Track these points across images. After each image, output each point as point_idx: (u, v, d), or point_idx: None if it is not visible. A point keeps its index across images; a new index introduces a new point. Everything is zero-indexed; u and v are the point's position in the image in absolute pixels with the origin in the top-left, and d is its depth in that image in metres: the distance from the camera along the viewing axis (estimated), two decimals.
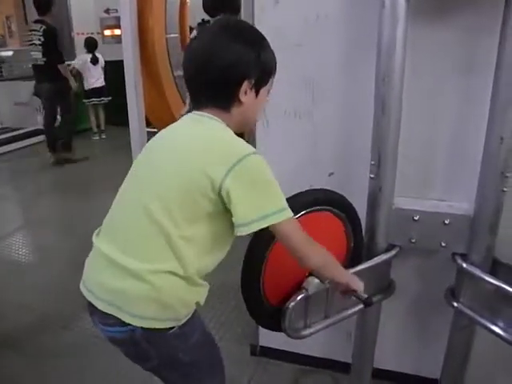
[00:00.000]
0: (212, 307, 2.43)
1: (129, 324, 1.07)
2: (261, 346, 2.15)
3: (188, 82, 1.13)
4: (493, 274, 1.43)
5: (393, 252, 1.53)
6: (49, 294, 2.77)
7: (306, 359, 2.07)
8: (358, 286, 1.21)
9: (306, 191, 1.40)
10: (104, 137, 6.60)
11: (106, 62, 6.19)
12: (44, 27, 4.96)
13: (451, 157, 1.56)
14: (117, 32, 6.45)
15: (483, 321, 1.44)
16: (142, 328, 1.07)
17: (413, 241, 1.53)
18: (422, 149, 1.58)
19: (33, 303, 2.68)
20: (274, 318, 1.37)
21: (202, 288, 1.16)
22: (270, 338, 2.09)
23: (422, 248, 1.57)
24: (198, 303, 1.16)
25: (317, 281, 1.31)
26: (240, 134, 1.13)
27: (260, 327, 2.10)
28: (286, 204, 1.05)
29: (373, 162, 1.43)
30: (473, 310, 1.47)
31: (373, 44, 1.36)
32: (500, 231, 1.41)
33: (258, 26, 1.62)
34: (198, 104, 1.13)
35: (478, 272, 1.43)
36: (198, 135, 1.09)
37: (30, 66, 5.26)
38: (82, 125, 6.68)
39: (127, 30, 2.90)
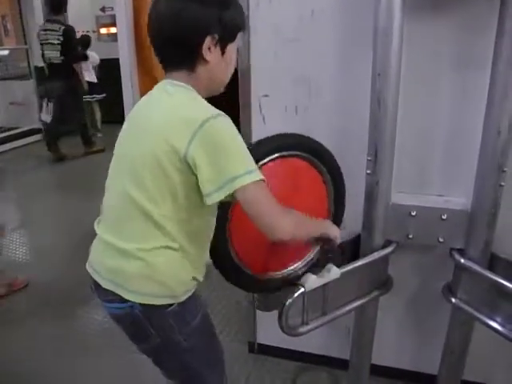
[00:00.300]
0: (209, 305, 2.42)
1: (128, 300, 1.09)
2: (258, 344, 2.14)
3: (152, 44, 1.10)
4: (491, 268, 1.43)
5: (390, 248, 1.53)
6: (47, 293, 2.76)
7: (303, 356, 2.06)
8: (335, 232, 1.20)
9: (274, 136, 1.30)
10: (100, 135, 6.56)
11: (101, 60, 6.16)
12: (63, 27, 5.04)
13: (448, 152, 1.56)
14: (113, 30, 6.44)
15: (481, 316, 1.43)
16: (140, 304, 1.09)
17: (410, 236, 1.52)
18: (418, 144, 1.57)
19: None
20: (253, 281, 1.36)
21: (198, 261, 1.16)
22: (267, 336, 2.09)
23: (419, 244, 1.56)
24: (195, 279, 1.15)
25: (313, 277, 1.31)
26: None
27: (258, 325, 2.10)
28: (254, 166, 1.00)
29: (369, 158, 1.42)
30: (471, 305, 1.46)
31: (369, 39, 1.35)
32: (498, 225, 1.41)
33: (252, 22, 1.63)
34: (166, 67, 1.11)
35: (475, 267, 1.42)
36: (160, 107, 1.08)
37: (44, 64, 5.31)
38: None
39: (123, 28, 2.89)
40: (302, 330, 1.40)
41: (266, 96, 1.69)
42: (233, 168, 0.97)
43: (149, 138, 1.04)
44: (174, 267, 1.10)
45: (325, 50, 1.58)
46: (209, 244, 1.19)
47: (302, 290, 1.31)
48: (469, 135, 1.46)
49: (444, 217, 1.47)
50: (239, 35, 1.11)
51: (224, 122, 1.01)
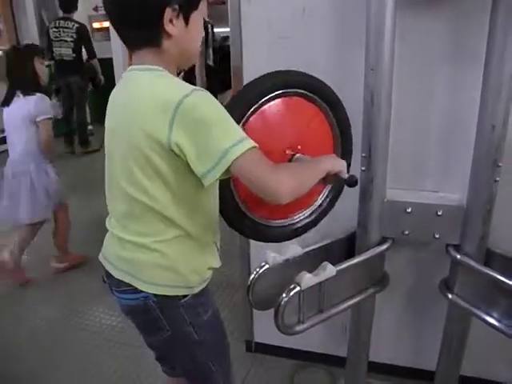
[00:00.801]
0: None
1: (142, 291, 1.09)
2: (256, 342, 2.14)
3: (112, 24, 1.04)
4: (487, 264, 1.43)
5: (386, 245, 1.52)
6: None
7: (301, 354, 2.06)
8: (339, 166, 1.12)
9: (271, 73, 1.23)
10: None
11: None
12: (77, 25, 5.20)
13: (443, 147, 1.55)
14: (105, 24, 6.43)
15: (478, 312, 1.43)
16: (154, 295, 1.09)
17: (406, 233, 1.51)
18: (413, 140, 1.56)
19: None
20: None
21: (210, 245, 1.16)
22: (264, 334, 2.08)
23: (415, 240, 1.56)
24: (210, 268, 1.17)
25: (309, 275, 1.30)
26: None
27: (255, 323, 2.09)
28: (242, 134, 0.94)
29: (364, 155, 1.41)
30: (467, 301, 1.46)
31: (361, 35, 1.34)
32: (493, 220, 1.40)
33: (244, 18, 1.62)
34: (129, 47, 1.05)
35: (471, 263, 1.42)
36: (132, 97, 1.02)
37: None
38: None
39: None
40: (299, 328, 1.40)
41: None
42: (220, 142, 0.92)
43: (128, 131, 1.00)
44: (187, 256, 1.10)
45: (317, 47, 1.57)
46: (217, 225, 1.17)
47: (298, 288, 1.30)
48: (463, 130, 1.45)
49: (439, 213, 1.46)
50: (202, 2, 1.04)
51: (200, 96, 0.94)
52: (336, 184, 1.22)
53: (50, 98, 5.51)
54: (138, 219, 1.07)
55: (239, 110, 1.13)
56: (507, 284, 1.31)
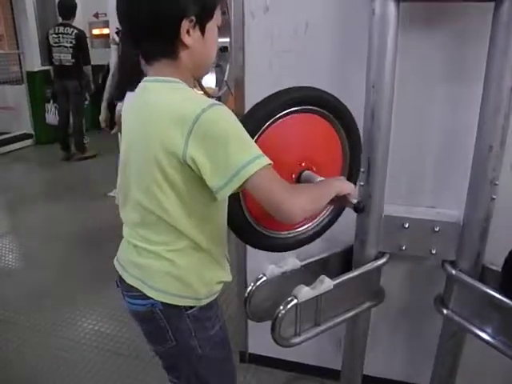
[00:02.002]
0: None
1: (150, 298, 1.09)
2: (250, 353, 2.14)
3: (126, 36, 1.04)
4: (482, 280, 1.44)
5: (383, 259, 1.53)
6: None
7: (295, 366, 2.06)
8: (348, 189, 1.12)
9: (284, 90, 1.22)
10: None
11: (95, 66, 6.15)
12: (76, 31, 5.27)
13: (441, 164, 1.57)
14: (105, 31, 6.47)
15: (472, 328, 1.44)
16: (161, 303, 1.09)
17: (403, 248, 1.53)
18: (411, 156, 1.58)
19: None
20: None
21: (221, 258, 1.16)
22: (259, 345, 2.08)
23: (412, 255, 1.57)
24: (220, 282, 1.16)
25: (306, 288, 1.30)
26: None
27: (249, 334, 2.09)
28: (258, 151, 0.94)
29: (362, 170, 1.43)
30: (462, 316, 1.47)
31: (363, 51, 1.36)
32: (489, 237, 1.42)
33: (247, 32, 1.64)
34: (147, 61, 1.04)
35: (467, 279, 1.43)
36: (148, 109, 1.02)
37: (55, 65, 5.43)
38: None
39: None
40: (295, 340, 1.40)
41: None
42: (236, 159, 0.91)
43: (146, 144, 1.00)
44: (197, 267, 1.10)
45: (319, 62, 1.59)
46: (226, 238, 1.18)
47: (295, 301, 1.31)
48: (461, 148, 1.47)
49: (436, 229, 1.48)
50: (217, 11, 1.03)
51: (217, 110, 0.94)
52: (342, 205, 1.22)
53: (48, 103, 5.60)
54: (151, 228, 1.07)
55: (252, 125, 1.13)
56: (502, 301, 1.32)
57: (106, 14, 6.10)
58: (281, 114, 1.16)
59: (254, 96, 1.69)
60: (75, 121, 5.60)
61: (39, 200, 4.48)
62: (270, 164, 0.94)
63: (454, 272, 1.47)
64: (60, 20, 5.42)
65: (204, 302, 1.13)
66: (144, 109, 1.04)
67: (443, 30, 1.42)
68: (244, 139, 0.94)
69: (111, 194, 4.19)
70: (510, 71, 1.23)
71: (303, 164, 1.21)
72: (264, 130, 1.15)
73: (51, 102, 5.73)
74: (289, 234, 1.31)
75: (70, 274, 3.03)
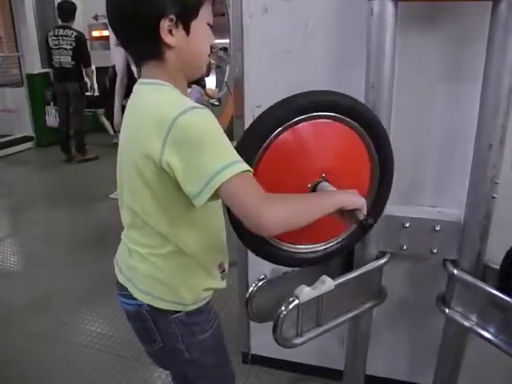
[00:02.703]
0: None
1: (136, 298, 1.10)
2: (252, 354, 2.14)
3: (117, 38, 1.02)
4: (483, 279, 1.44)
5: (384, 259, 1.53)
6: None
7: (298, 367, 2.06)
8: (356, 203, 1.02)
9: (308, 92, 1.16)
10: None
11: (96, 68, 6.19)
12: (76, 33, 5.32)
13: (441, 163, 1.57)
14: (105, 33, 6.52)
15: (474, 327, 1.44)
16: (147, 305, 1.09)
17: (404, 248, 1.53)
18: (411, 155, 1.58)
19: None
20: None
21: (210, 269, 1.13)
22: (261, 346, 2.08)
23: (413, 255, 1.57)
24: (208, 290, 1.14)
25: (308, 289, 1.30)
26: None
27: (252, 335, 2.09)
28: (234, 157, 0.89)
29: None
30: (464, 316, 1.47)
31: (362, 51, 1.36)
32: (490, 236, 1.42)
33: (246, 33, 1.64)
34: (135, 61, 1.05)
35: (468, 278, 1.43)
36: (134, 112, 1.02)
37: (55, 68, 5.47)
38: None
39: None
40: (297, 341, 1.40)
41: (259, 107, 1.69)
42: (210, 165, 0.88)
43: (130, 147, 1.00)
44: (181, 273, 1.09)
45: (318, 62, 1.59)
46: (221, 247, 1.16)
47: (297, 301, 1.31)
48: (461, 147, 1.47)
49: (437, 228, 1.48)
50: (204, 9, 0.99)
51: (196, 114, 0.91)
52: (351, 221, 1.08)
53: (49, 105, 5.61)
54: (139, 231, 1.08)
55: (266, 127, 1.11)
56: (503, 299, 1.32)
57: (104, 16, 6.10)
58: (300, 117, 1.12)
59: (253, 97, 1.71)
60: (76, 123, 5.61)
61: (40, 202, 4.49)
62: (247, 171, 0.90)
63: (455, 271, 1.46)
64: (59, 22, 5.45)
65: (190, 308, 1.12)
66: (133, 111, 1.04)
67: (442, 30, 1.42)
68: (220, 144, 0.91)
69: (113, 195, 4.20)
70: (509, 70, 1.23)
71: (322, 175, 1.16)
72: (281, 132, 1.12)
73: (51, 104, 5.75)
74: (307, 248, 1.29)
75: (71, 276, 3.04)
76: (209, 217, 1.10)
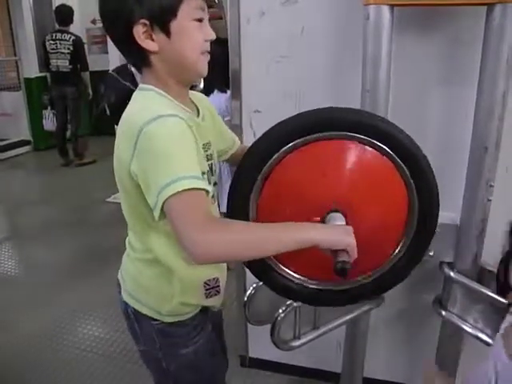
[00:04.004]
0: None
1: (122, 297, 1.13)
2: (250, 357, 2.14)
3: None
4: (480, 281, 1.44)
5: None
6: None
7: (295, 370, 2.06)
8: (339, 243, 0.88)
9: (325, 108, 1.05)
10: None
11: (92, 72, 6.17)
12: (73, 37, 5.34)
13: (437, 167, 1.57)
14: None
15: (471, 329, 1.45)
16: (133, 307, 1.11)
17: None
18: None
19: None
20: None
21: (189, 281, 1.06)
22: (259, 349, 2.09)
23: None
24: (185, 304, 1.07)
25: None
26: None
27: (250, 338, 2.09)
28: (184, 172, 0.83)
29: None
30: (460, 318, 1.48)
31: (358, 55, 1.37)
32: (486, 239, 1.43)
33: (243, 38, 1.65)
34: (135, 68, 1.03)
35: (465, 280, 1.44)
36: (122, 118, 0.97)
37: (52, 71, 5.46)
38: None
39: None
40: (294, 344, 1.41)
41: (258, 112, 1.71)
42: (161, 178, 0.83)
43: (115, 153, 0.98)
44: (160, 282, 1.06)
45: (314, 67, 1.60)
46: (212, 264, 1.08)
47: (294, 304, 1.32)
48: (457, 150, 1.48)
49: None
50: (185, 7, 0.91)
51: (158, 124, 0.86)
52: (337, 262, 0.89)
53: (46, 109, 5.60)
54: (133, 234, 1.09)
55: (277, 141, 1.05)
56: (500, 302, 1.33)
57: None
58: (313, 136, 1.02)
59: (251, 102, 1.72)
60: (73, 127, 5.61)
61: (38, 206, 4.48)
62: (194, 189, 0.83)
63: (451, 273, 1.47)
64: (57, 26, 5.45)
65: (167, 320, 1.08)
66: (123, 117, 1.00)
67: (437, 34, 1.44)
68: (174, 158, 0.85)
69: (110, 199, 4.20)
70: (503, 73, 1.24)
71: (333, 204, 1.02)
72: (289, 152, 1.03)
73: (49, 108, 5.74)
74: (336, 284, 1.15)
75: (69, 279, 3.03)
76: None
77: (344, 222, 1.00)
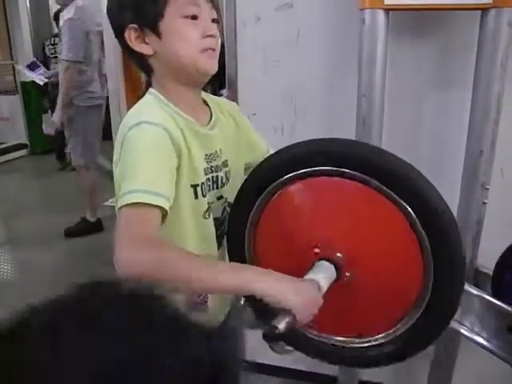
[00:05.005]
0: None
1: None
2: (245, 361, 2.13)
3: None
4: (476, 284, 1.45)
5: None
6: None
7: (291, 373, 2.05)
8: (273, 296, 0.75)
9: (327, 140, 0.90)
10: None
11: None
12: None
13: (432, 170, 1.57)
14: None
15: (467, 332, 1.44)
16: None
17: None
18: None
19: None
20: None
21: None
22: (255, 353, 2.07)
23: None
24: None
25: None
26: None
27: (246, 342, 2.09)
28: (140, 185, 0.79)
29: None
30: (457, 321, 1.48)
31: (354, 59, 1.38)
32: (481, 241, 1.43)
33: (240, 42, 1.66)
34: None
35: None
36: None
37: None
38: None
39: (110, 44, 2.89)
40: (291, 348, 1.40)
41: (254, 115, 1.71)
42: (123, 185, 0.81)
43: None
44: None
45: (310, 70, 1.61)
46: None
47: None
48: (453, 153, 1.49)
49: None
50: (169, 7, 0.87)
51: (137, 131, 0.84)
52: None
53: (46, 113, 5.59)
54: None
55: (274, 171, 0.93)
56: (496, 304, 1.33)
57: (100, 24, 6.12)
58: (305, 170, 0.88)
59: (247, 106, 1.72)
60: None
61: (35, 210, 4.47)
62: (147, 204, 0.78)
63: None
64: (56, 30, 5.45)
65: None
66: None
67: (432, 39, 1.45)
68: (139, 168, 0.82)
69: (107, 203, 4.18)
70: (498, 77, 1.25)
71: (316, 250, 0.87)
72: (287, 183, 0.91)
73: (49, 112, 5.73)
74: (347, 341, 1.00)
75: (67, 282, 3.02)
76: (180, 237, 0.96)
77: (330, 275, 0.85)
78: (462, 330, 1.45)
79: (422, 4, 1.28)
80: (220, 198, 1.02)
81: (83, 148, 3.52)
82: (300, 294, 0.76)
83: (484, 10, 1.23)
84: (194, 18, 0.88)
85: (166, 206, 0.81)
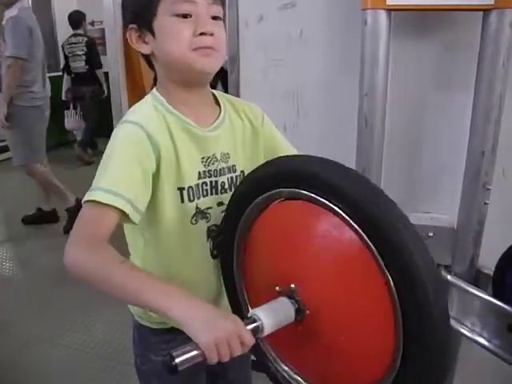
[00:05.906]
0: None
1: None
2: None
3: None
4: (476, 285, 1.45)
5: None
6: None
7: None
8: (187, 324, 0.71)
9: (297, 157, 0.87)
10: None
11: None
12: (86, 38, 5.69)
13: (434, 170, 1.58)
14: None
15: (468, 332, 1.45)
16: None
17: None
18: (404, 162, 1.59)
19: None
20: None
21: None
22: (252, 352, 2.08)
23: None
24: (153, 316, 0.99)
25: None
26: None
27: None
28: (102, 184, 0.80)
29: None
30: (457, 321, 1.48)
31: (356, 58, 1.38)
32: (483, 242, 1.43)
33: (242, 41, 1.66)
34: None
35: (461, 283, 1.44)
36: None
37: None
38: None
39: (112, 42, 2.90)
40: None
41: None
42: (95, 178, 0.83)
43: None
44: None
45: (313, 70, 1.61)
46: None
47: None
48: (454, 154, 1.49)
49: (431, 234, 1.49)
50: (163, 5, 0.85)
51: (118, 129, 0.86)
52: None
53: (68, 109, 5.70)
54: (128, 242, 1.06)
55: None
56: (497, 305, 1.33)
57: (101, 22, 6.12)
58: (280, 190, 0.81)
59: None
60: (90, 125, 5.80)
61: (35, 207, 4.47)
62: (106, 205, 0.79)
63: (448, 277, 1.47)
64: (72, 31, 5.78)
65: (139, 320, 1.05)
66: None
67: (434, 39, 1.44)
68: (109, 166, 0.83)
69: None
70: (500, 78, 1.26)
71: (291, 286, 0.77)
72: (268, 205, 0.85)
73: (71, 107, 5.81)
74: None
75: (68, 281, 3.01)
76: (157, 250, 0.96)
77: (285, 313, 0.76)
78: (463, 330, 1.46)
79: (424, 4, 1.28)
80: (221, 204, 0.97)
81: (23, 148, 3.50)
82: (214, 331, 0.69)
83: (486, 10, 1.23)
84: (187, 15, 0.85)
85: (126, 208, 0.80)
